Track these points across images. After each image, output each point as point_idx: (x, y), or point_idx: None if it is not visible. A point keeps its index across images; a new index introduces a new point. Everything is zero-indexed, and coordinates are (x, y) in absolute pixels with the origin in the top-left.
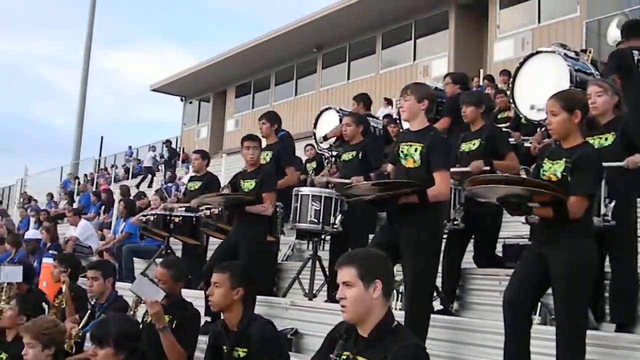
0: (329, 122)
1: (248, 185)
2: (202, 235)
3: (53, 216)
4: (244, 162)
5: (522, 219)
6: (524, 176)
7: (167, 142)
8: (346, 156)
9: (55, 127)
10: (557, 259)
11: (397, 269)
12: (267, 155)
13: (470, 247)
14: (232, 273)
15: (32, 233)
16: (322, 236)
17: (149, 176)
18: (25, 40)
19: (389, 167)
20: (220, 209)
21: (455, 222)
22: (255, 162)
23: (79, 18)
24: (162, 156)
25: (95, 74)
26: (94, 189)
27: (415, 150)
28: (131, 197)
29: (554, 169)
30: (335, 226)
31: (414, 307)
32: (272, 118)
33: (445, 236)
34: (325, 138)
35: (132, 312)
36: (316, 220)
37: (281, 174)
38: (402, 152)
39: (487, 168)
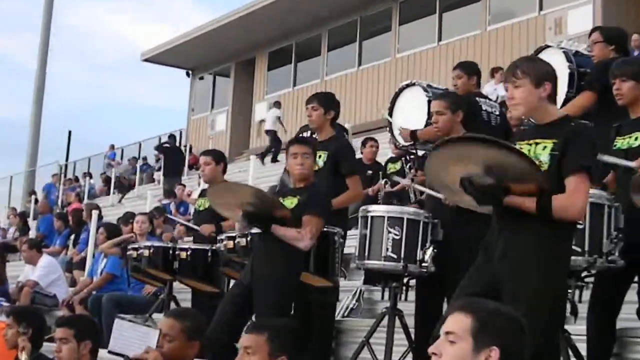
0: (413, 107)
1: (288, 203)
2: (222, 278)
3: None
4: (286, 171)
5: None
6: None
7: (167, 141)
8: None
9: (2, 116)
10: None
11: None
12: (319, 157)
13: (631, 295)
14: (273, 335)
15: None
16: (405, 280)
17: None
18: None
19: None
20: (247, 238)
21: (612, 258)
22: (307, 177)
23: None
24: (157, 159)
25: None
26: (59, 210)
27: (544, 149)
28: (115, 222)
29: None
30: (424, 264)
31: None
32: (326, 101)
33: (587, 278)
34: (415, 137)
35: None
36: (395, 256)
37: (339, 186)
38: None
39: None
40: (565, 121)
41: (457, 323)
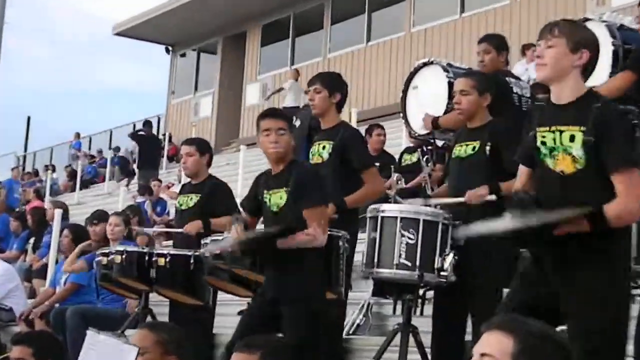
0: (430, 90)
1: (277, 199)
2: (206, 289)
3: None
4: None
5: None
6: None
7: (142, 129)
8: (460, 150)
9: None
10: None
11: None
12: (323, 148)
13: None
14: (267, 354)
15: None
16: (421, 292)
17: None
18: None
19: (522, 170)
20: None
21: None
22: (284, 156)
23: None
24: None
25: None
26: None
27: (573, 139)
28: (82, 224)
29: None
30: (443, 273)
31: None
32: (331, 82)
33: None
34: (437, 125)
35: None
36: (409, 263)
37: (348, 181)
38: (543, 144)
39: None
40: (591, 99)
41: (496, 344)
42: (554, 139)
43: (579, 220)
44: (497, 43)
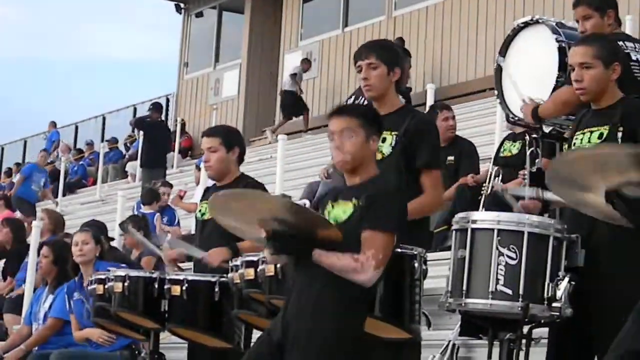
0: (533, 58)
1: (339, 212)
2: (236, 326)
3: None
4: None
5: None
6: None
7: (147, 115)
8: (583, 139)
9: None
10: None
11: None
12: (384, 141)
13: None
14: None
15: None
16: (526, 329)
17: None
18: None
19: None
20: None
21: None
22: (357, 165)
23: None
24: (126, 146)
25: None
26: None
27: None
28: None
29: None
30: (556, 305)
31: None
32: (391, 55)
33: None
34: (537, 117)
35: None
36: (510, 292)
37: (412, 185)
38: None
39: None
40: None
41: None
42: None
43: None
44: (597, 3)
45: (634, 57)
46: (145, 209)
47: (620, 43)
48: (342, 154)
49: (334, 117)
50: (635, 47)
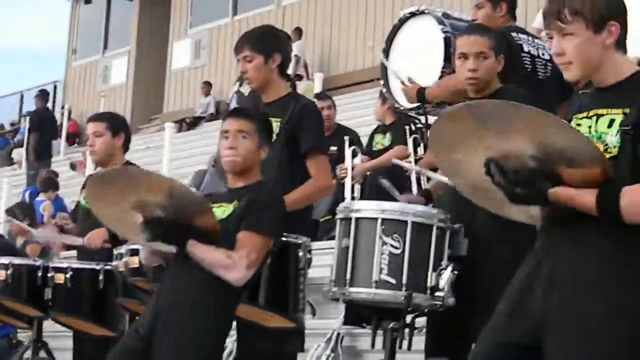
0: (419, 49)
1: (219, 212)
2: (120, 315)
3: None
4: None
5: None
6: None
7: (37, 98)
8: None
9: None
10: None
11: None
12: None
13: None
14: None
15: None
16: (409, 318)
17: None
18: None
19: None
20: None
21: None
22: (244, 169)
23: None
24: (12, 133)
25: None
26: None
27: (610, 124)
28: None
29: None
30: (439, 294)
31: None
32: (265, 44)
33: None
34: (422, 98)
35: None
36: (393, 281)
37: (296, 170)
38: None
39: None
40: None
41: None
42: (590, 127)
43: (587, 194)
44: None
45: (526, 49)
46: (42, 196)
47: (514, 34)
48: (234, 154)
49: (232, 117)
50: (529, 40)
